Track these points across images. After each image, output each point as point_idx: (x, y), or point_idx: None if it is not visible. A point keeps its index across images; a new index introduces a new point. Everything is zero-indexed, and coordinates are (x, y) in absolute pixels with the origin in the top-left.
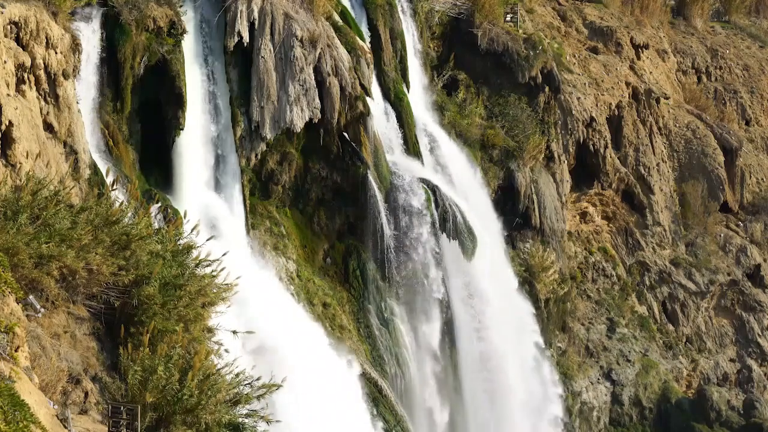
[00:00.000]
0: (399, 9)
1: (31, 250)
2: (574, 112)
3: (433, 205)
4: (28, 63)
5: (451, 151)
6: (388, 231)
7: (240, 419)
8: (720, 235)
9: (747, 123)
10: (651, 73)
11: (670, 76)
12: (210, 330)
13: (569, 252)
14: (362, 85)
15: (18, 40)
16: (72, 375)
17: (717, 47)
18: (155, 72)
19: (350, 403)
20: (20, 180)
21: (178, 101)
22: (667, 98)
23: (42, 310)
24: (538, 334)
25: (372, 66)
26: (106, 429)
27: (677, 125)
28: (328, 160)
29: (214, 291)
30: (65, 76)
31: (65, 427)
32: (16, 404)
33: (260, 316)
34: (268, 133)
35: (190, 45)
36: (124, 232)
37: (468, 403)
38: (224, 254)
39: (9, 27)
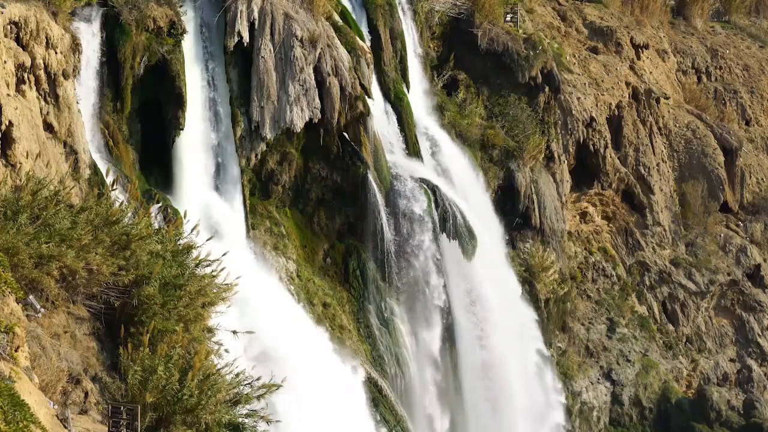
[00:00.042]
0: (399, 9)
1: (31, 250)
2: (574, 112)
3: (433, 205)
4: (28, 63)
5: (451, 151)
6: (388, 231)
7: (240, 419)
8: (720, 235)
9: (747, 123)
10: (651, 73)
11: (670, 76)
12: (210, 330)
13: (569, 252)
14: (362, 85)
15: (18, 40)
16: (72, 375)
17: (717, 47)
18: (155, 72)
19: (354, 410)
20: (20, 180)
21: (178, 101)
22: (667, 98)
23: (42, 310)
24: (540, 341)
25: (372, 66)
26: (106, 429)
27: (677, 125)
28: (328, 160)
29: (214, 291)
30: (65, 76)
31: (65, 427)
32: (16, 404)
33: (260, 317)
34: (268, 133)
35: (190, 45)
36: (124, 232)
37: (469, 411)
38: (224, 254)
39: (9, 27)
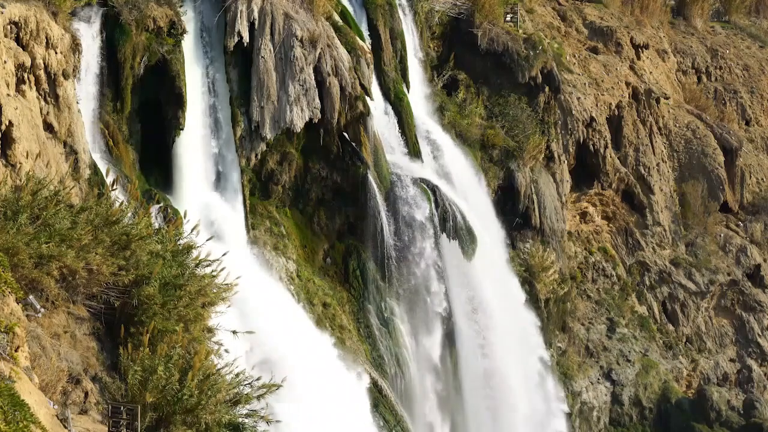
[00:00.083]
0: (399, 9)
1: (31, 250)
2: (574, 112)
3: (433, 206)
4: (28, 63)
5: (451, 151)
6: (388, 231)
7: (240, 419)
8: (720, 235)
9: (747, 123)
10: (651, 73)
11: (670, 76)
12: (210, 330)
13: (569, 252)
14: (362, 85)
15: (18, 40)
16: (72, 375)
17: (717, 47)
18: (155, 72)
19: (357, 417)
20: (20, 180)
21: (178, 101)
22: (667, 98)
23: (42, 310)
24: (543, 348)
25: (372, 66)
26: (106, 429)
27: (677, 125)
28: (328, 160)
29: (214, 291)
30: (65, 76)
31: (65, 427)
32: (16, 404)
33: (260, 317)
34: (268, 133)
35: (190, 45)
36: (124, 232)
37: (470, 419)
38: (224, 254)
39: (9, 27)
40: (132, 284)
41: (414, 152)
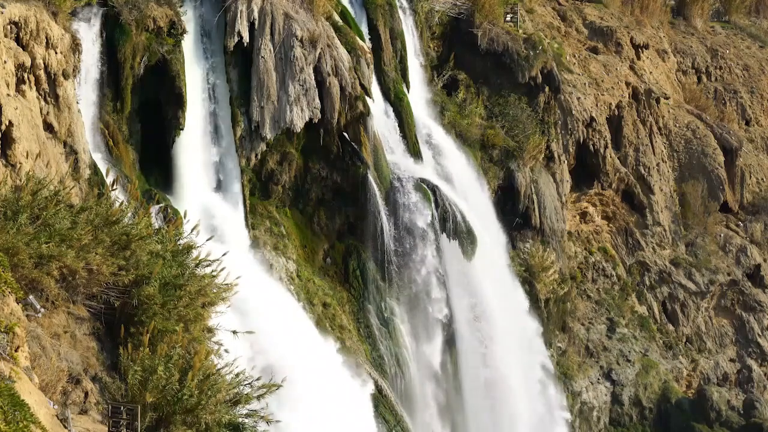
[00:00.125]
0: (399, 9)
1: (31, 250)
2: (574, 112)
3: (433, 205)
4: (28, 63)
5: (451, 151)
6: (388, 231)
7: (240, 419)
8: (720, 235)
9: (747, 123)
10: (651, 73)
11: (670, 76)
12: (210, 330)
13: (569, 252)
14: (362, 85)
15: (18, 40)
16: (72, 375)
17: (717, 47)
18: (155, 72)
19: (362, 423)
20: (20, 180)
21: (178, 101)
22: (667, 98)
23: (42, 310)
24: (545, 355)
25: (372, 66)
26: (106, 429)
27: (677, 125)
28: (328, 160)
29: (214, 291)
30: (65, 76)
31: (65, 427)
32: (16, 404)
33: (260, 317)
34: (268, 133)
35: (190, 45)
36: (124, 232)
37: (471, 427)
38: (224, 254)
39: (9, 27)
40: (132, 284)
41: (414, 152)
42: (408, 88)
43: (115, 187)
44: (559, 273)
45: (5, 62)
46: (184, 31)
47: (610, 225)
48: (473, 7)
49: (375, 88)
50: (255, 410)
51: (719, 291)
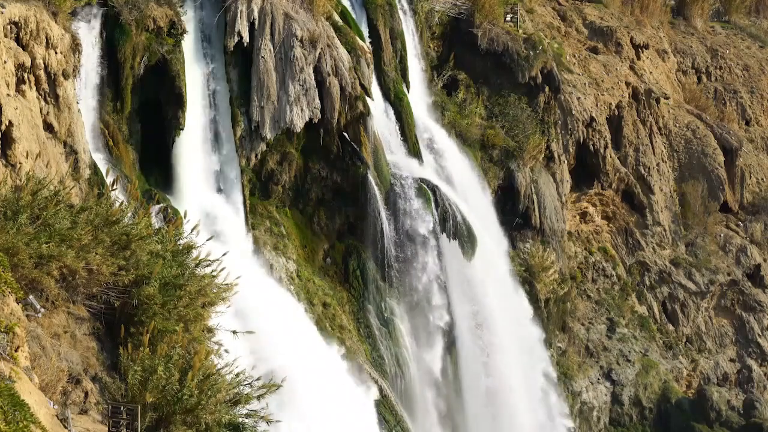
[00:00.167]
0: (399, 9)
1: (31, 250)
2: (574, 112)
3: (433, 205)
4: (28, 63)
5: (451, 151)
6: (388, 231)
7: (240, 419)
8: (720, 235)
9: (747, 123)
10: (651, 73)
11: (670, 76)
12: (210, 330)
13: (569, 252)
14: (362, 85)
15: (18, 40)
16: (72, 375)
17: (717, 47)
18: (155, 72)
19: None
20: (20, 180)
21: (178, 101)
22: (667, 98)
23: (42, 310)
24: (548, 363)
25: (372, 66)
26: (106, 429)
27: (677, 125)
28: (328, 160)
29: (214, 291)
30: (65, 76)
31: (65, 427)
32: (16, 404)
33: (260, 317)
34: (268, 133)
35: (190, 45)
36: (124, 232)
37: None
38: (224, 254)
39: (9, 27)
40: (132, 284)
41: (414, 152)
42: (408, 88)
43: (115, 187)
44: (559, 273)
45: (5, 62)
46: (184, 31)
47: (610, 225)
48: (473, 7)
49: (375, 88)
50: (255, 410)
51: (719, 291)
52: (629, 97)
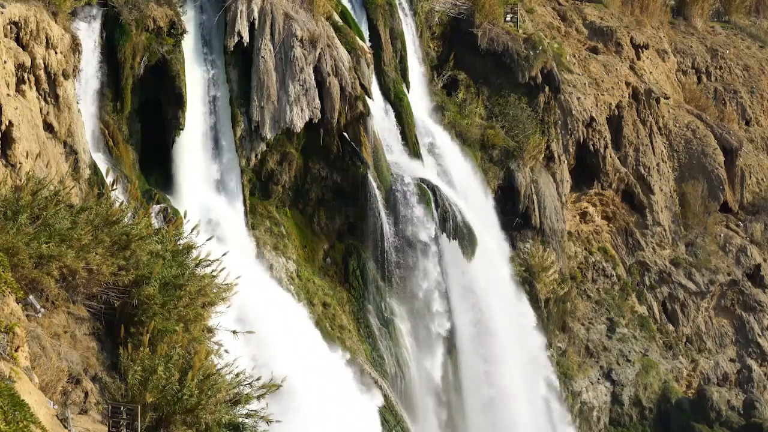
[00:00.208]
0: (399, 9)
1: (31, 250)
2: (574, 112)
3: (433, 205)
4: (28, 63)
5: (451, 151)
6: (388, 231)
7: (240, 419)
8: (720, 235)
9: (747, 123)
10: (651, 73)
11: (670, 76)
12: (210, 330)
13: (569, 252)
14: (362, 85)
15: (18, 40)
16: (72, 375)
17: (717, 47)
18: (155, 72)
19: None
20: (20, 180)
21: (178, 101)
22: (667, 98)
23: (42, 310)
24: (551, 371)
25: (372, 66)
26: (106, 429)
27: (677, 125)
28: (328, 160)
29: (214, 291)
30: (65, 76)
31: (65, 427)
32: (16, 404)
33: (260, 318)
34: (268, 133)
35: (190, 45)
36: (124, 232)
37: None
38: (224, 254)
39: (9, 27)
40: (132, 284)
41: (414, 152)
42: (408, 88)
43: (115, 187)
44: (559, 273)
45: (5, 62)
46: (184, 31)
47: (610, 225)
48: (473, 7)
49: (375, 88)
50: (255, 410)
51: (719, 291)
52: (629, 97)
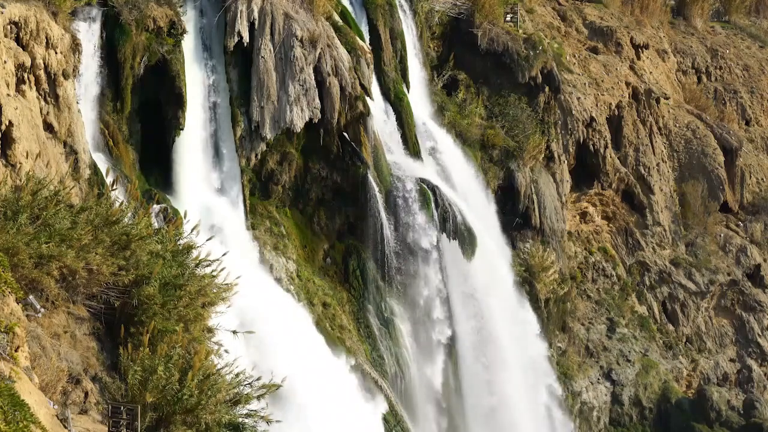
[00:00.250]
0: (399, 9)
1: (31, 250)
2: (574, 112)
3: (433, 205)
4: (28, 63)
5: (451, 151)
6: (388, 231)
7: (240, 419)
8: (720, 235)
9: (747, 123)
10: (651, 73)
11: (670, 76)
12: (210, 330)
13: (569, 252)
14: (362, 85)
15: (18, 40)
16: (72, 375)
17: (717, 47)
18: (155, 72)
19: None
20: (20, 180)
21: (178, 101)
22: (667, 98)
23: (42, 310)
24: (553, 379)
25: (372, 66)
26: (106, 429)
27: (677, 125)
28: (328, 160)
29: (214, 291)
30: (65, 76)
31: (65, 427)
32: (16, 404)
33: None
34: (268, 133)
35: (190, 45)
36: (124, 232)
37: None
38: (224, 254)
39: (9, 27)
40: (132, 284)
41: (414, 152)
42: (408, 88)
43: (115, 187)
44: (559, 273)
45: (5, 62)
46: (184, 31)
47: (610, 225)
48: (473, 7)
49: (375, 88)
50: (255, 410)
51: (719, 291)
52: (629, 97)
